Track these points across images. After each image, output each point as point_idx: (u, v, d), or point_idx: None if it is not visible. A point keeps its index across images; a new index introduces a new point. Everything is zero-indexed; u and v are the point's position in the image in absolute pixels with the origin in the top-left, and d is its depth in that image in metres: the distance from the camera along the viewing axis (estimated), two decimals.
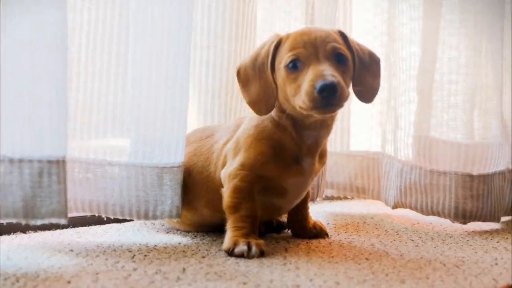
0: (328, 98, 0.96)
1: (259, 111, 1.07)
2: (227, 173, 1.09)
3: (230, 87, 1.35)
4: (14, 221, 0.96)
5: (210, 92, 1.33)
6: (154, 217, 1.13)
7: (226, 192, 1.08)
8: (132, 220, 1.27)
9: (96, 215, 1.14)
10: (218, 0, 1.34)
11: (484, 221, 1.38)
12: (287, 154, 1.08)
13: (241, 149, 1.09)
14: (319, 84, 0.96)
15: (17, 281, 0.84)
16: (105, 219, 1.19)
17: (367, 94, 1.10)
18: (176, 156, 1.13)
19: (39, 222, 0.96)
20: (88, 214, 1.13)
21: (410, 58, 1.44)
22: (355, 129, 1.63)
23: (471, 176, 1.37)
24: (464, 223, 1.38)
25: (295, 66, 1.02)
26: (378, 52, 1.52)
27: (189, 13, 1.12)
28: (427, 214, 1.41)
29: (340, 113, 1.57)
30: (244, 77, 1.09)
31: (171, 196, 1.12)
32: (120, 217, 1.14)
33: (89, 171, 1.11)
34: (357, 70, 1.08)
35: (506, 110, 1.54)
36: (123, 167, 1.12)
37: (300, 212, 1.22)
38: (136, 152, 1.12)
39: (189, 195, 1.15)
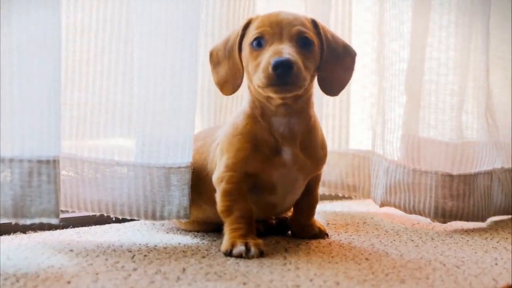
0: (283, 76, 0.97)
1: (225, 91, 1.10)
2: (216, 177, 1.09)
3: None
4: (4, 220, 0.96)
5: (199, 91, 1.33)
6: (162, 218, 1.13)
7: (217, 197, 1.08)
8: (133, 220, 1.27)
9: (97, 214, 1.14)
10: None
11: (466, 220, 1.37)
12: (264, 146, 1.07)
13: (223, 150, 1.09)
14: (274, 60, 0.97)
15: (17, 281, 0.84)
16: (109, 217, 1.19)
17: (333, 85, 1.10)
18: (183, 156, 1.12)
19: (28, 222, 0.96)
20: (97, 213, 1.14)
21: (400, 59, 1.43)
22: (351, 128, 1.62)
23: (451, 176, 1.36)
24: (444, 222, 1.37)
25: (259, 44, 1.03)
26: (375, 52, 1.54)
27: (194, 12, 1.12)
28: (410, 212, 1.40)
29: (338, 111, 1.59)
30: (216, 59, 1.12)
31: (178, 197, 1.12)
32: (128, 217, 1.14)
33: (98, 171, 1.12)
34: (326, 59, 1.07)
35: (502, 110, 1.53)
36: (131, 167, 1.12)
37: (305, 215, 1.20)
38: (142, 152, 1.12)
39: (193, 191, 1.15)
